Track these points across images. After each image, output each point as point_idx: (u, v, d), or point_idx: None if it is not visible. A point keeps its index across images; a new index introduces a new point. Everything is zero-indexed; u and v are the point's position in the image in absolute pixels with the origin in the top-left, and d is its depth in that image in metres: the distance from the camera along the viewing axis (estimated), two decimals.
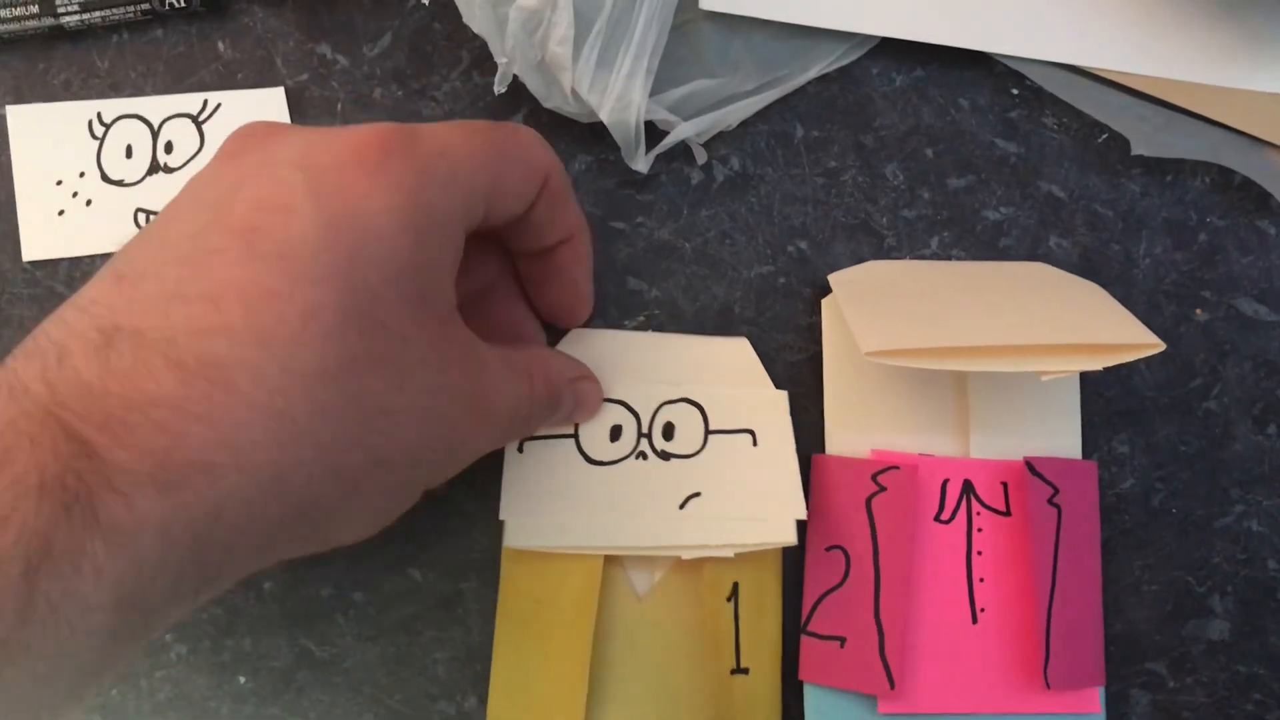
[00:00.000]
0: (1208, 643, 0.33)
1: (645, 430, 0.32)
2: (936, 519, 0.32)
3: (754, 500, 0.31)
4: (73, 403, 0.20)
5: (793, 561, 0.32)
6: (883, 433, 0.33)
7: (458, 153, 0.25)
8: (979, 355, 0.28)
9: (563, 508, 0.31)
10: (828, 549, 0.32)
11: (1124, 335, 0.29)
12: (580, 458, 0.31)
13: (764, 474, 0.31)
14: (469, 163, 0.25)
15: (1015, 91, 0.35)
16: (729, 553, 0.30)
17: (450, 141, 0.25)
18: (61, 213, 0.33)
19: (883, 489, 0.32)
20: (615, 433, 0.32)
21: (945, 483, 0.33)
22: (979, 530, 0.32)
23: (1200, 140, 0.34)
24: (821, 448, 0.33)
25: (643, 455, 0.31)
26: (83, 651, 0.19)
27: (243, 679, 0.32)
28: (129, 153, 0.33)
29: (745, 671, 0.31)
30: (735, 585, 0.31)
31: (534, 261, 0.30)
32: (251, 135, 0.24)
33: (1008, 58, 0.35)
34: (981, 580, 0.32)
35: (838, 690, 0.31)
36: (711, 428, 0.32)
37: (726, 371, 0.33)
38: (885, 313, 0.30)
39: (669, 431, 0.32)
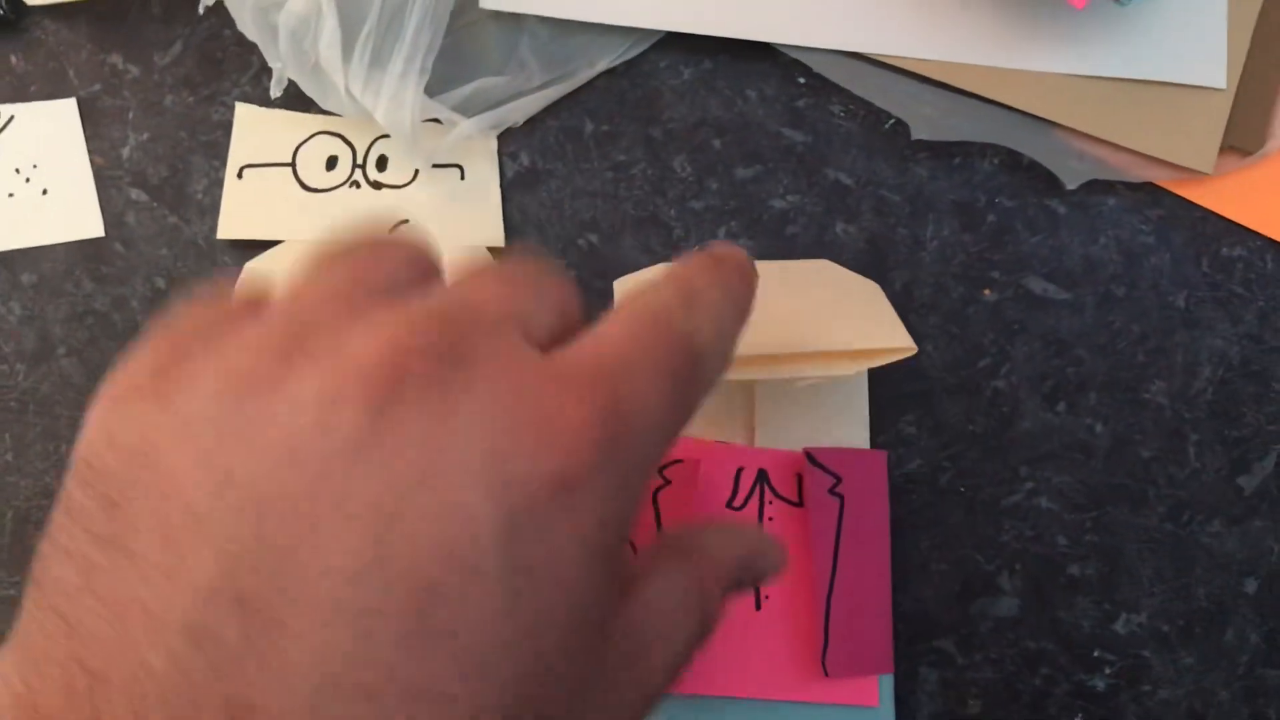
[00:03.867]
0: (996, 619, 0.33)
1: (360, 161, 0.35)
2: (729, 505, 0.33)
3: (459, 223, 0.34)
4: None
5: None
6: None
7: (657, 423, 0.19)
8: (745, 365, 0.29)
9: (277, 232, 0.34)
10: None
11: (879, 339, 0.29)
12: (296, 185, 0.34)
13: (468, 204, 0.35)
14: (665, 433, 0.19)
15: (802, 81, 0.35)
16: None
17: (650, 407, 0.19)
18: None
19: (668, 482, 0.32)
20: (331, 162, 0.35)
21: (740, 471, 0.33)
22: (770, 519, 0.33)
23: (984, 123, 0.35)
24: None
25: (355, 184, 0.34)
26: None
27: None
28: None
29: None
30: None
31: None
32: (409, 372, 0.16)
33: (792, 48, 0.35)
34: None
35: None
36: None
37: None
38: None
39: (382, 163, 0.35)
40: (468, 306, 0.18)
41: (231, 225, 0.34)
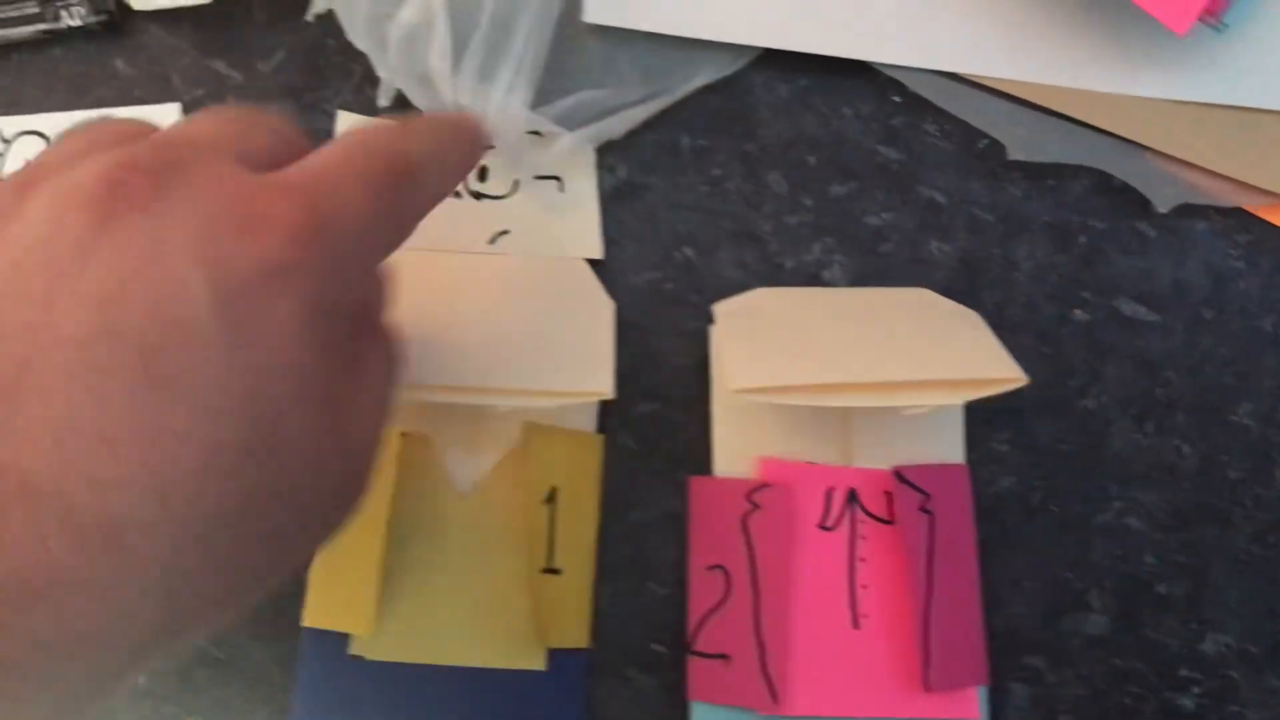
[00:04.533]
0: (1085, 637, 0.33)
1: None
2: (821, 526, 0.33)
3: (558, 236, 0.34)
4: None
5: (680, 582, 0.33)
6: (771, 446, 0.34)
7: (361, 225, 0.22)
8: (844, 391, 0.29)
9: None
10: (709, 568, 0.33)
11: (989, 370, 0.30)
12: None
13: (567, 216, 0.35)
14: (372, 236, 0.23)
15: (897, 99, 0.36)
16: (550, 402, 0.30)
17: (355, 210, 0.22)
18: None
19: (758, 507, 0.32)
20: None
21: (830, 491, 0.33)
22: (863, 538, 0.33)
23: (1078, 145, 0.35)
24: (708, 460, 0.33)
25: (455, 194, 0.35)
26: None
27: (142, 678, 0.32)
28: None
29: (558, 571, 0.32)
30: (554, 489, 0.32)
31: None
32: (132, 185, 0.20)
33: (888, 66, 0.35)
34: (865, 587, 0.33)
35: (723, 706, 0.32)
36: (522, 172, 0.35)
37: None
38: (760, 348, 0.31)
39: (483, 174, 0.35)
40: (183, 135, 0.22)
41: None
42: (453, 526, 0.32)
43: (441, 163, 0.25)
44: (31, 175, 0.20)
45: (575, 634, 0.32)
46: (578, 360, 0.32)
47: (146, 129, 0.22)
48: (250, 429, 0.20)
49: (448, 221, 0.34)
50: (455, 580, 0.32)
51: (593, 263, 0.34)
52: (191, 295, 0.19)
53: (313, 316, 0.21)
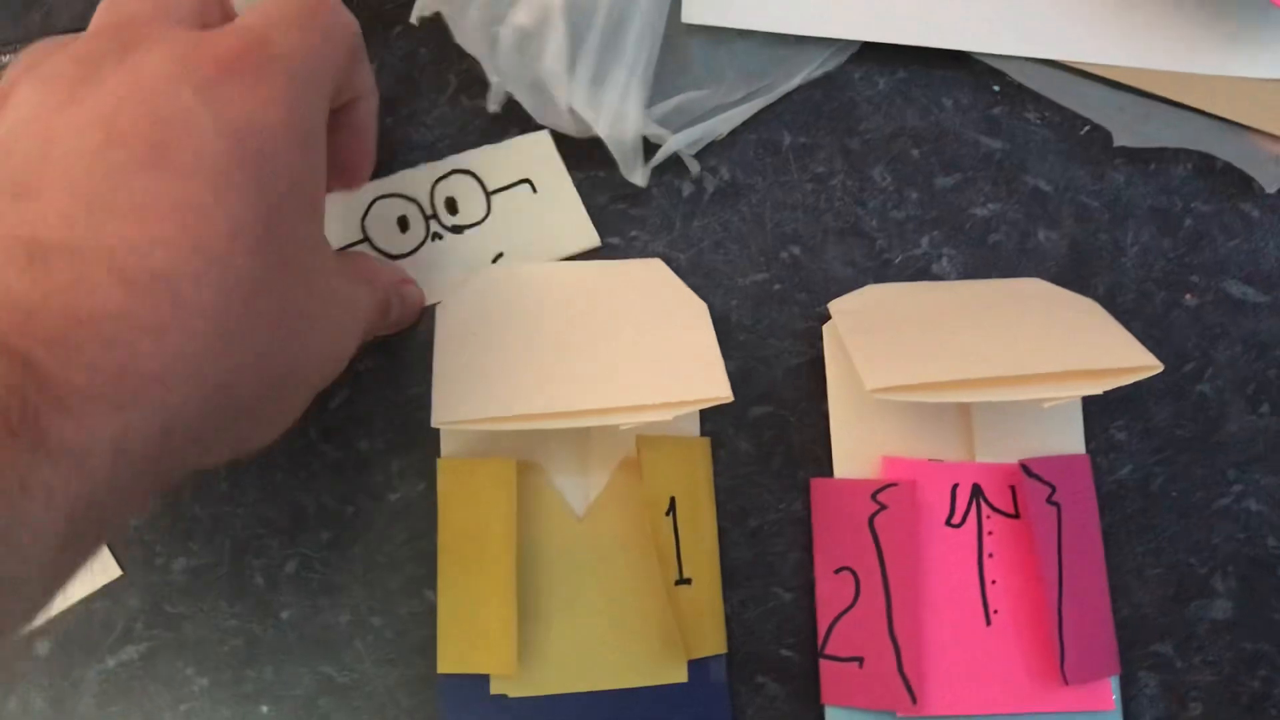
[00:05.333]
0: (1212, 622, 0.33)
1: (430, 212, 0.34)
2: (948, 523, 0.33)
3: (550, 234, 0.34)
4: (12, 320, 0.19)
5: (806, 585, 0.33)
6: (891, 445, 0.33)
7: (306, 54, 0.25)
8: (981, 386, 0.29)
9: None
10: (837, 571, 0.32)
11: (1124, 357, 0.29)
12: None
13: (551, 212, 0.34)
14: (319, 63, 0.25)
15: (997, 89, 0.35)
16: (668, 414, 0.29)
17: (293, 44, 0.25)
18: None
19: (884, 507, 0.32)
20: (402, 223, 0.34)
21: (955, 487, 0.33)
22: (990, 533, 0.33)
23: (1180, 128, 0.35)
24: (828, 461, 0.33)
25: (436, 236, 0.34)
26: (34, 571, 0.19)
27: (265, 708, 0.32)
28: None
29: (689, 582, 0.31)
30: (672, 499, 0.32)
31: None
32: (99, 54, 0.23)
33: (986, 56, 0.35)
34: (994, 582, 0.33)
35: (857, 709, 0.32)
36: (490, 189, 0.34)
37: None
38: (886, 346, 0.31)
39: (452, 206, 0.34)
40: (122, 14, 0.25)
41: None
42: (575, 551, 0.32)
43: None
44: (9, 80, 0.23)
45: (713, 641, 0.32)
46: (688, 366, 0.31)
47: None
48: (261, 209, 0.22)
49: (441, 264, 0.33)
50: (585, 605, 0.32)
51: (594, 253, 0.34)
52: (178, 98, 0.22)
53: (291, 117, 0.23)
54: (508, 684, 0.31)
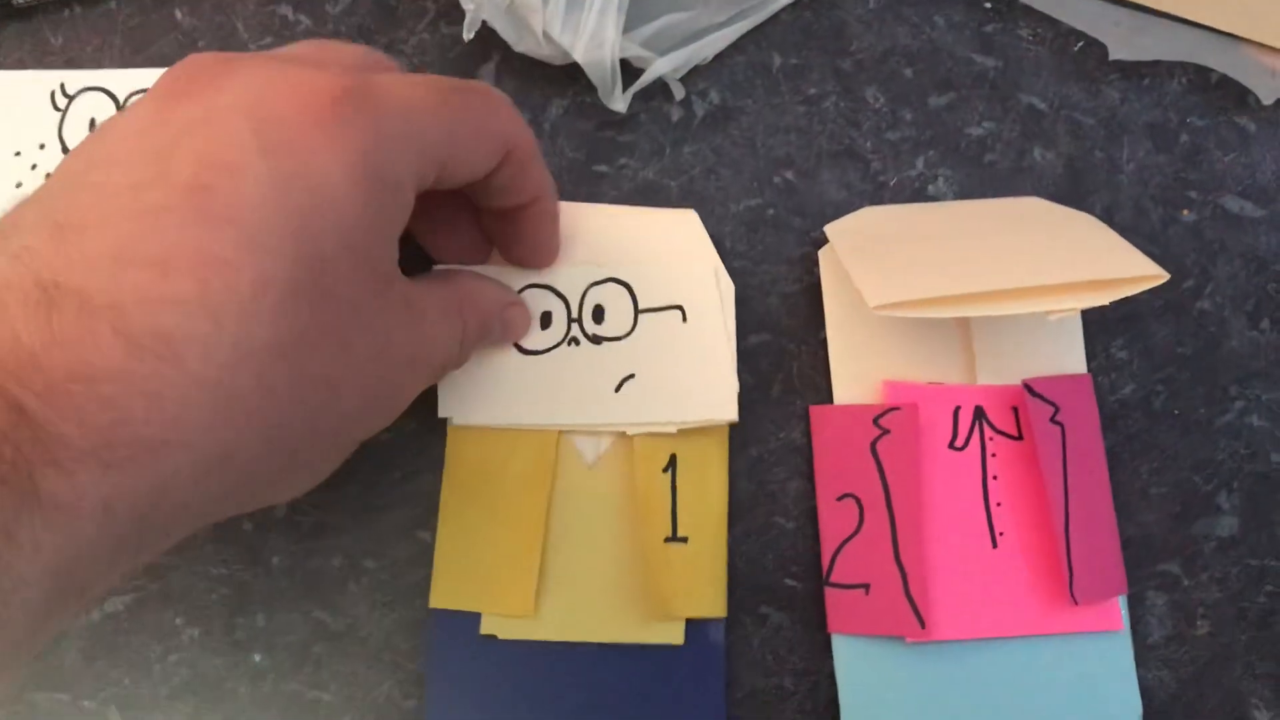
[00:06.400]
0: (1218, 539, 0.33)
1: (575, 315, 0.31)
2: (951, 446, 0.32)
3: (687, 378, 0.31)
4: (12, 367, 0.18)
5: (808, 513, 0.32)
6: (890, 369, 0.33)
7: (415, 112, 0.23)
8: (986, 300, 0.28)
9: (500, 399, 0.31)
10: (839, 498, 0.32)
11: (1128, 268, 0.29)
12: (514, 349, 0.31)
13: (696, 350, 0.31)
14: (425, 124, 0.24)
15: (988, 4, 0.35)
16: (671, 429, 0.30)
17: (408, 99, 0.23)
18: (19, 185, 0.32)
19: (886, 431, 0.31)
20: (545, 319, 0.31)
21: (957, 410, 0.32)
22: (993, 455, 0.32)
23: (1176, 41, 0.34)
24: (829, 389, 0.32)
25: (574, 341, 0.31)
26: (15, 625, 0.18)
27: (258, 656, 0.31)
28: (92, 126, 0.32)
29: (684, 540, 0.31)
30: (673, 456, 0.31)
31: (497, 218, 0.30)
32: (194, 75, 0.22)
33: None
34: (999, 504, 0.32)
35: (864, 636, 0.31)
36: (641, 307, 0.31)
37: (674, 244, 0.32)
38: (887, 264, 0.30)
39: (599, 314, 0.31)
40: (271, 52, 0.24)
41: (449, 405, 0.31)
42: (581, 500, 0.31)
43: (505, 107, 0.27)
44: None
45: (710, 603, 0.31)
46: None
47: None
48: (297, 268, 0.21)
49: (564, 372, 0.31)
50: (586, 555, 0.31)
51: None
52: (239, 142, 0.20)
53: (361, 175, 0.22)
54: (498, 624, 0.30)
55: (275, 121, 0.21)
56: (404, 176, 0.23)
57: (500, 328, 0.30)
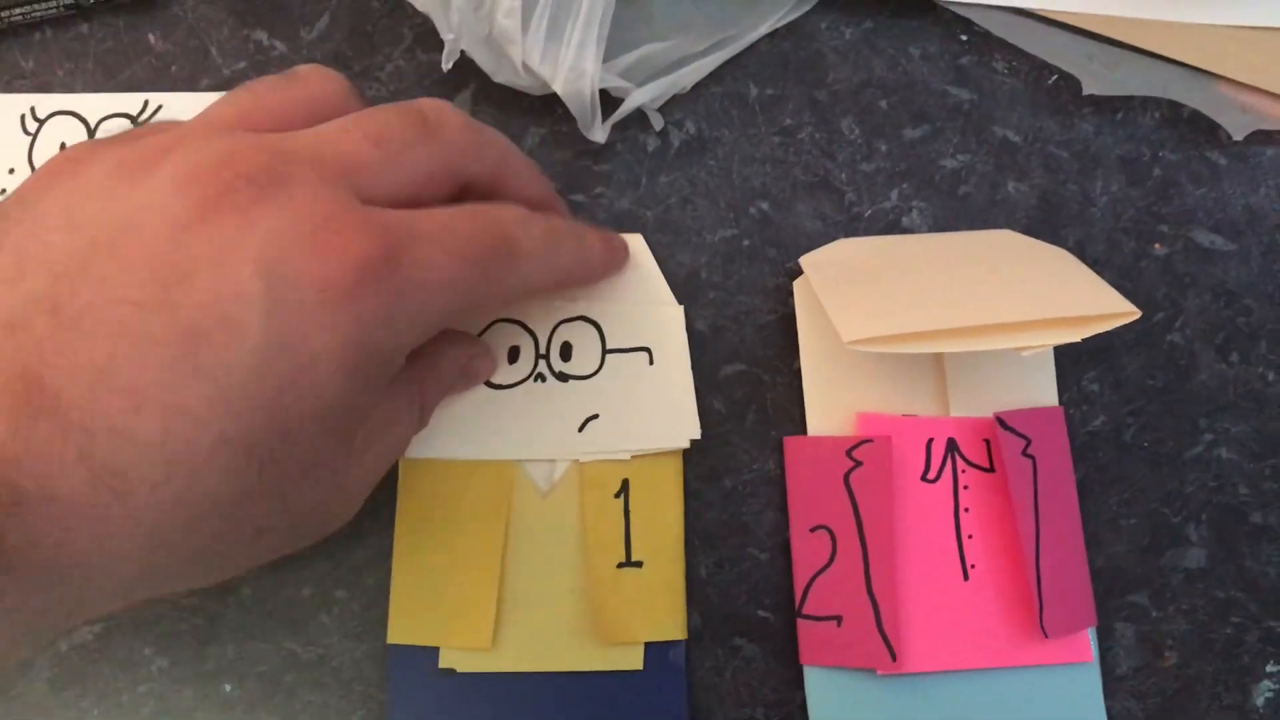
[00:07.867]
0: (1186, 571, 0.33)
1: (543, 351, 0.31)
2: (923, 479, 0.32)
3: (649, 419, 0.31)
4: None
5: (781, 545, 0.32)
6: (864, 401, 0.33)
7: (436, 291, 0.23)
8: (959, 337, 0.29)
9: (462, 434, 0.31)
10: (812, 530, 0.32)
11: (1100, 304, 0.29)
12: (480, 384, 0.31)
13: (660, 392, 0.31)
14: (444, 303, 0.24)
15: (964, 37, 0.35)
16: (625, 455, 0.30)
17: (434, 281, 0.23)
18: None
19: (859, 464, 0.32)
20: (513, 354, 0.31)
21: (930, 442, 0.33)
22: (965, 488, 0.32)
23: (1149, 76, 0.34)
24: (803, 420, 0.33)
25: (541, 377, 0.31)
26: None
27: (228, 686, 0.31)
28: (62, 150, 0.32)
29: (638, 565, 0.31)
30: (625, 481, 0.31)
31: None
32: (234, 187, 0.21)
33: (953, 4, 0.34)
34: (970, 537, 0.32)
35: (836, 668, 0.31)
36: (609, 346, 0.32)
37: (628, 272, 0.33)
38: (861, 298, 0.30)
39: (566, 352, 0.32)
40: (314, 147, 0.23)
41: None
42: (535, 528, 0.31)
43: (550, 259, 0.27)
44: (183, 135, 0.22)
45: (667, 626, 0.31)
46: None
47: (317, 99, 0.24)
48: (261, 434, 0.21)
49: (529, 409, 0.31)
50: (542, 584, 0.31)
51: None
52: (249, 298, 0.20)
53: (354, 358, 0.22)
54: (457, 658, 0.30)
55: (290, 285, 0.21)
56: (401, 350, 0.24)
57: (463, 381, 0.30)
